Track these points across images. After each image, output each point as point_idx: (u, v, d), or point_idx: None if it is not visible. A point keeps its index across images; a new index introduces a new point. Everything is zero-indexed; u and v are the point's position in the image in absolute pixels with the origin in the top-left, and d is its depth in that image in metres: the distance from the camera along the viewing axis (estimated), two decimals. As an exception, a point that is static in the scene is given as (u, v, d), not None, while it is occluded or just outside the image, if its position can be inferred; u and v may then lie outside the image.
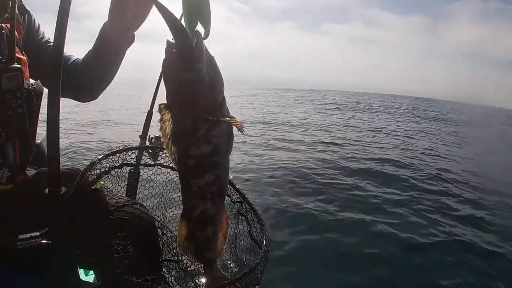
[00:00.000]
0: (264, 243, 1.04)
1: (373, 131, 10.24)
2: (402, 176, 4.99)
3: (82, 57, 1.01)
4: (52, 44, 0.81)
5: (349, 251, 2.79)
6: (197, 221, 0.62)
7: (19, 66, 0.83)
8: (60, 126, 0.69)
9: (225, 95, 0.54)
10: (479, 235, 3.24)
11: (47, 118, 0.70)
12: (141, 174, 1.38)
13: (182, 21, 0.49)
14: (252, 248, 1.10)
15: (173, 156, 0.57)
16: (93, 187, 0.92)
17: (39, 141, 1.61)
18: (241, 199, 1.20)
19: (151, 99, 1.87)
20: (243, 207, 1.20)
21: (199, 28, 0.50)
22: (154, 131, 1.81)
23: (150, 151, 1.33)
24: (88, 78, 1.00)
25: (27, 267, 0.90)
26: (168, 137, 0.55)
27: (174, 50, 0.49)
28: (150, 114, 1.84)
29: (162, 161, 1.30)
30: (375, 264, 2.63)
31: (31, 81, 0.94)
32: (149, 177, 1.32)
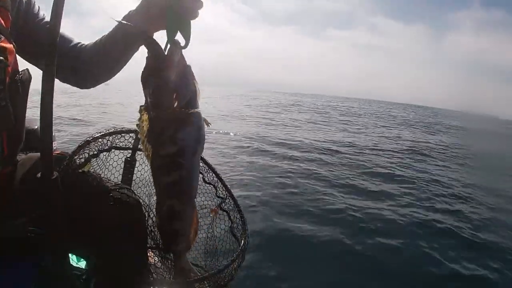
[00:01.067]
0: (243, 241, 1.07)
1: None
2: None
3: (94, 41, 0.98)
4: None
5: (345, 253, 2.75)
6: (165, 215, 0.68)
7: (1, 58, 0.80)
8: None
9: (198, 103, 0.61)
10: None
11: (41, 103, 0.71)
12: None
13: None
14: (232, 244, 1.12)
15: (146, 153, 0.63)
16: (80, 170, 0.92)
17: (36, 127, 1.62)
18: (225, 195, 1.23)
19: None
20: (227, 203, 1.22)
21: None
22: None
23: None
24: (94, 62, 0.96)
25: (19, 254, 0.91)
26: (144, 135, 0.61)
27: (148, 60, 0.58)
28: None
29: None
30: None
31: (20, 69, 0.91)
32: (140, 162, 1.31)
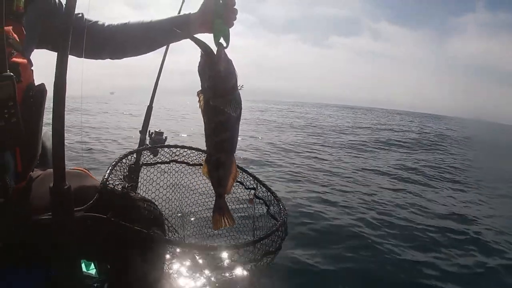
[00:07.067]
0: (282, 217, 1.24)
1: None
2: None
3: (137, 21, 1.13)
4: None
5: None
6: (213, 164, 0.91)
7: (11, 74, 0.77)
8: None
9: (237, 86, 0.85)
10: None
11: (53, 112, 0.69)
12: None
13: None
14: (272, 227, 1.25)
15: (204, 121, 0.87)
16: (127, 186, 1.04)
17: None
18: (255, 185, 1.45)
19: (151, 95, 1.88)
20: (260, 190, 1.43)
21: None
22: (154, 127, 1.83)
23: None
24: (139, 37, 1.13)
25: (28, 262, 0.89)
26: (202, 109, 0.85)
27: (203, 58, 0.82)
28: (150, 109, 1.85)
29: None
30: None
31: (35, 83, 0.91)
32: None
